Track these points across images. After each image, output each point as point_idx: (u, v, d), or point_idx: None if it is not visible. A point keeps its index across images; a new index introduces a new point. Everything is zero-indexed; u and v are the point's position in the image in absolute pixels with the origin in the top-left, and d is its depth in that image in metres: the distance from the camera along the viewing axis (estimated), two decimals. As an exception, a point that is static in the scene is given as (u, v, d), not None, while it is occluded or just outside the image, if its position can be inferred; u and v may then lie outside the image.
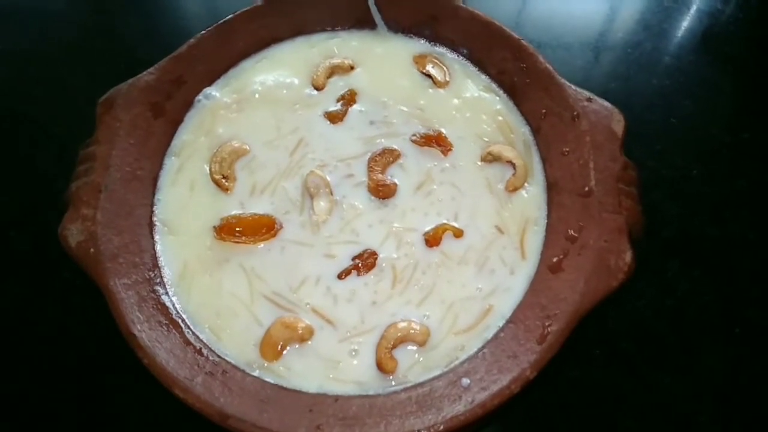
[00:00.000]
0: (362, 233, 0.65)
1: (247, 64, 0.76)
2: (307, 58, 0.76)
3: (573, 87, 0.68)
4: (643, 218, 0.63)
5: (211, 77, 0.74)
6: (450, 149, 0.70)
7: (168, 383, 0.55)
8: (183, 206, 0.67)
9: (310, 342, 0.61)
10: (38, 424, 0.67)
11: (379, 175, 0.67)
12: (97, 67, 0.91)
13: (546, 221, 0.66)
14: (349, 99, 0.73)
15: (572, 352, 0.58)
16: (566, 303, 0.58)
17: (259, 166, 0.69)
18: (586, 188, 0.63)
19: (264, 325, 0.61)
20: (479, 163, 0.69)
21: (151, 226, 0.65)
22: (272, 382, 0.58)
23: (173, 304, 0.62)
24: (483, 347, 0.60)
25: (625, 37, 0.94)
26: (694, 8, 0.97)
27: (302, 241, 0.65)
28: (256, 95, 0.73)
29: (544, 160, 0.69)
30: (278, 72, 0.75)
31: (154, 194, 0.67)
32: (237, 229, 0.65)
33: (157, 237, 0.65)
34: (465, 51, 0.75)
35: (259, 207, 0.67)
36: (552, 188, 0.67)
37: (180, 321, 0.61)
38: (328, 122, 0.71)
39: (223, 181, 0.68)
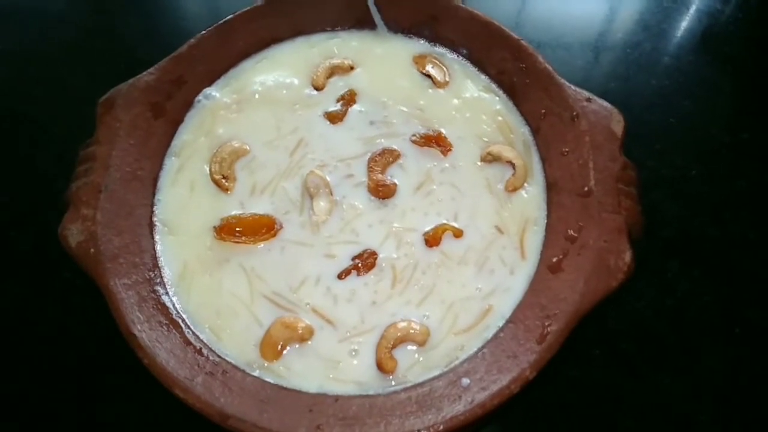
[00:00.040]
0: (362, 233, 0.65)
1: (247, 65, 0.76)
2: (307, 58, 0.76)
3: (572, 87, 0.68)
4: (643, 218, 0.63)
5: (211, 77, 0.74)
6: (450, 149, 0.70)
7: (168, 383, 0.55)
8: (183, 206, 0.67)
9: (310, 342, 0.61)
10: (38, 424, 0.67)
11: (379, 176, 0.68)
12: (97, 67, 0.91)
13: (546, 221, 0.66)
14: (348, 99, 0.73)
15: (572, 352, 0.58)
16: (566, 303, 0.58)
17: (259, 167, 0.69)
18: (586, 188, 0.63)
19: (264, 325, 0.61)
20: (479, 163, 0.69)
21: (151, 226, 0.65)
22: (272, 382, 0.58)
23: (173, 304, 0.62)
24: (483, 347, 0.60)
25: (625, 37, 0.94)
26: (693, 8, 0.97)
27: (302, 241, 0.65)
28: (256, 95, 0.73)
29: (544, 160, 0.69)
30: (278, 72, 0.75)
31: (154, 194, 0.67)
32: (237, 229, 0.65)
33: (157, 237, 0.65)
34: (465, 51, 0.76)
35: (259, 207, 0.67)
36: (551, 188, 0.67)
37: (180, 321, 0.61)
38: (328, 122, 0.72)
39: (223, 181, 0.68)
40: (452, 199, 0.67)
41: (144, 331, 0.57)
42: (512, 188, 0.67)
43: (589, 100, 0.67)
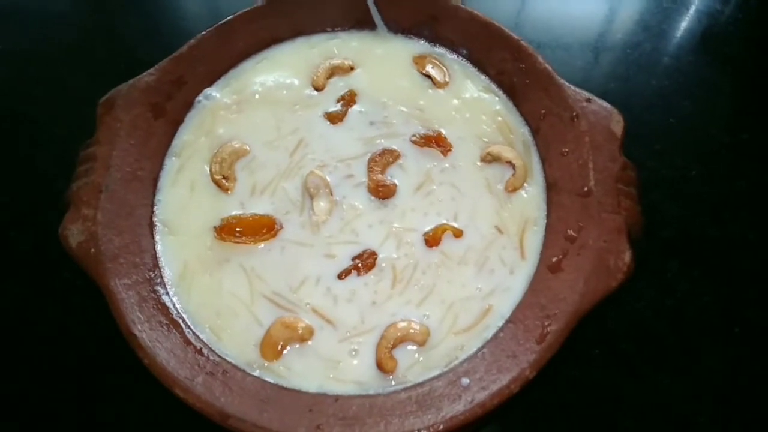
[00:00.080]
0: (362, 233, 0.65)
1: (247, 65, 0.76)
2: (307, 58, 0.76)
3: (572, 87, 0.68)
4: (643, 218, 0.63)
5: (212, 78, 0.74)
6: (450, 150, 0.70)
7: (168, 383, 0.55)
8: (183, 206, 0.67)
9: (310, 342, 0.61)
10: (38, 424, 0.67)
11: (379, 176, 0.68)
12: (97, 68, 0.91)
13: (545, 221, 0.66)
14: (349, 99, 0.73)
15: (571, 352, 0.58)
16: (566, 303, 0.58)
17: (259, 167, 0.69)
18: (586, 188, 0.63)
19: (264, 325, 0.61)
20: (479, 163, 0.69)
21: (151, 226, 0.65)
22: (272, 382, 0.58)
23: (173, 304, 0.62)
24: (482, 347, 0.60)
25: (625, 37, 0.94)
26: (693, 9, 0.97)
27: (302, 241, 0.65)
28: (257, 96, 0.74)
29: (544, 161, 0.69)
30: (278, 73, 0.75)
31: (154, 194, 0.67)
32: (237, 229, 0.65)
33: (157, 237, 0.65)
34: (464, 51, 0.76)
35: (260, 207, 0.67)
36: (551, 188, 0.67)
37: (180, 321, 0.61)
38: (328, 123, 0.72)
39: (224, 181, 0.68)
40: (452, 200, 0.67)
41: (144, 331, 0.57)
42: (512, 188, 0.67)
43: (588, 100, 0.67)
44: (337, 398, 0.57)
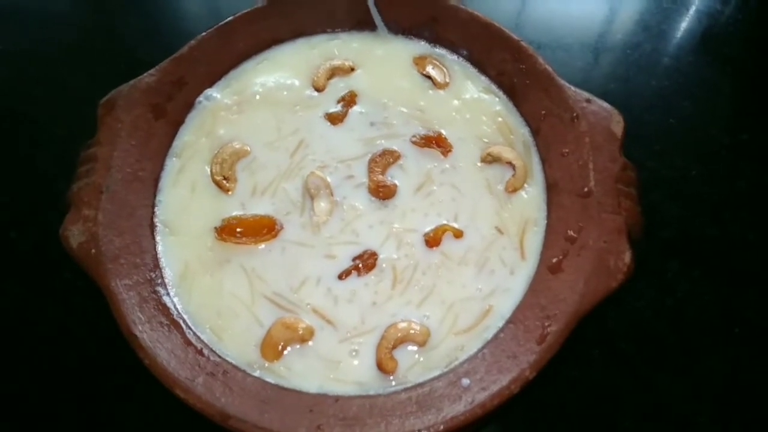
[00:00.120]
0: (362, 234, 0.66)
1: (247, 66, 0.76)
2: (307, 59, 0.76)
3: (572, 88, 0.68)
4: (643, 219, 0.63)
5: (212, 78, 0.74)
6: (450, 150, 0.70)
7: (169, 384, 0.55)
8: (184, 207, 0.67)
9: (310, 342, 0.61)
10: (39, 424, 0.67)
11: (380, 176, 0.68)
12: (97, 68, 0.91)
13: (545, 222, 0.66)
14: (349, 100, 0.73)
15: (572, 352, 0.58)
16: (566, 303, 0.58)
17: (259, 167, 0.69)
18: (586, 189, 0.63)
19: (265, 325, 0.61)
20: (479, 164, 0.69)
21: (152, 227, 0.65)
22: (273, 382, 0.58)
23: (174, 305, 0.62)
24: (483, 347, 0.60)
25: (625, 38, 0.94)
26: (693, 9, 0.97)
27: (303, 241, 0.65)
28: (257, 96, 0.74)
29: (544, 161, 0.69)
30: (279, 73, 0.75)
31: (155, 195, 0.67)
32: (238, 229, 0.65)
33: (158, 238, 0.65)
34: (465, 52, 0.76)
35: (260, 208, 0.67)
36: (551, 189, 0.67)
37: (181, 321, 0.61)
38: (329, 123, 0.72)
39: (224, 182, 0.68)
40: (452, 200, 0.67)
41: (145, 331, 0.57)
42: (512, 189, 0.68)
43: (588, 101, 0.67)
44: (337, 399, 0.57)
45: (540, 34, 0.94)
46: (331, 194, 0.67)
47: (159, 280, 0.63)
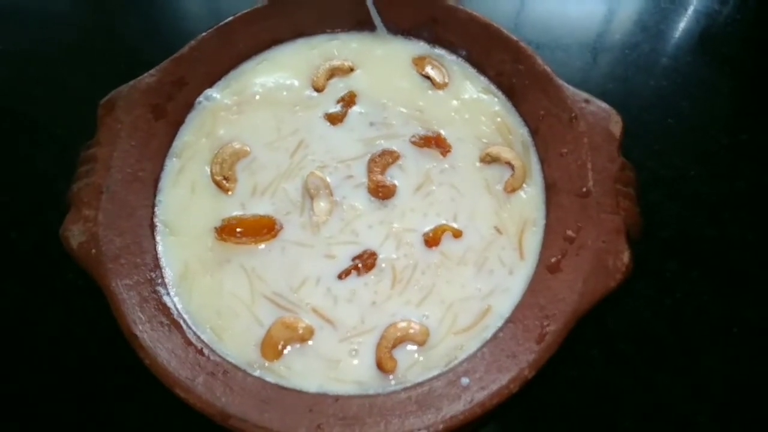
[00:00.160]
0: (362, 234, 0.66)
1: (247, 66, 0.76)
2: (307, 59, 0.76)
3: (571, 88, 0.68)
4: (642, 219, 0.63)
5: (212, 79, 0.74)
6: (449, 150, 0.70)
7: (169, 383, 0.55)
8: (184, 207, 0.67)
9: (310, 342, 0.61)
10: (39, 425, 0.67)
11: (379, 176, 0.68)
12: (97, 68, 0.91)
13: (544, 222, 0.66)
14: (348, 100, 0.73)
15: (570, 352, 0.58)
16: (564, 303, 0.58)
17: (259, 168, 0.69)
18: (584, 189, 0.63)
19: (265, 325, 0.61)
20: (478, 164, 0.70)
21: (152, 227, 0.66)
22: (273, 382, 0.59)
23: (174, 305, 0.62)
24: (482, 347, 0.60)
25: (623, 38, 0.94)
26: (691, 9, 0.97)
27: (302, 241, 0.65)
28: (257, 97, 0.74)
29: (543, 161, 0.69)
30: (279, 74, 0.75)
31: (155, 195, 0.67)
32: (238, 229, 0.65)
33: (158, 238, 0.65)
34: (464, 53, 0.76)
35: (260, 208, 0.67)
36: (550, 189, 0.67)
37: (181, 321, 0.61)
38: (328, 124, 0.72)
39: (224, 182, 0.68)
40: (451, 200, 0.67)
41: (145, 331, 0.57)
42: (511, 189, 0.68)
43: (587, 101, 0.67)
44: (337, 398, 0.57)
45: (539, 35, 0.94)
46: (331, 194, 0.67)
47: (159, 280, 0.63)
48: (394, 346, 0.60)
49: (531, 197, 0.68)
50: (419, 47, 0.77)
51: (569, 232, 0.63)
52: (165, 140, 0.70)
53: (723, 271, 0.75)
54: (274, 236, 0.65)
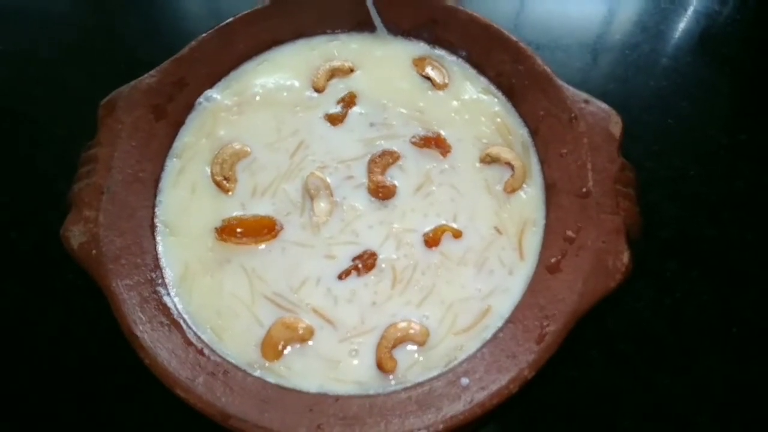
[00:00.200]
0: (362, 234, 0.66)
1: (248, 67, 0.76)
2: (307, 60, 0.76)
3: (571, 89, 0.68)
4: (641, 219, 0.63)
5: (212, 79, 0.74)
6: (449, 151, 0.70)
7: (170, 383, 0.55)
8: (184, 208, 0.67)
9: (310, 342, 0.61)
10: (39, 424, 0.67)
11: (379, 177, 0.68)
12: (97, 68, 0.91)
13: (544, 222, 0.66)
14: (349, 101, 0.73)
15: (570, 352, 0.58)
16: (564, 303, 0.58)
17: (259, 168, 0.69)
18: (584, 189, 0.63)
19: (265, 325, 0.61)
20: (478, 164, 0.70)
21: (152, 227, 0.66)
22: (273, 382, 0.59)
23: (175, 305, 0.62)
24: (482, 347, 0.60)
25: (623, 38, 0.95)
26: (691, 10, 0.98)
27: (303, 242, 0.65)
28: (257, 97, 0.74)
29: (543, 162, 0.69)
30: (279, 74, 0.75)
31: (155, 196, 0.67)
32: (238, 230, 0.65)
33: (158, 238, 0.65)
34: (464, 53, 0.76)
35: (260, 208, 0.67)
36: (550, 189, 0.67)
37: (181, 321, 0.61)
38: (329, 124, 0.72)
39: (225, 182, 0.68)
40: (451, 200, 0.67)
41: (146, 331, 0.58)
42: (511, 189, 0.68)
43: (587, 101, 0.67)
44: (337, 398, 0.57)
45: (538, 35, 0.94)
46: (331, 195, 0.67)
47: (160, 281, 0.63)
48: (394, 347, 0.60)
49: (531, 198, 0.68)
50: (419, 48, 0.77)
51: (569, 233, 0.63)
52: (165, 141, 0.70)
53: (723, 271, 0.75)
54: (275, 236, 0.65)
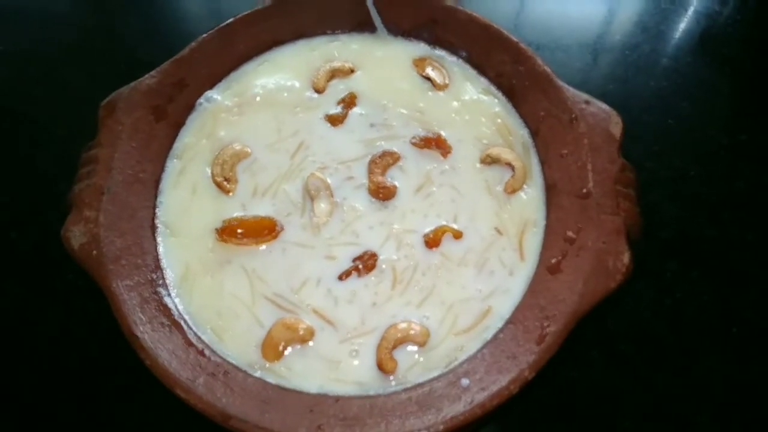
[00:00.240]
0: (362, 235, 0.66)
1: (248, 67, 0.76)
2: (307, 61, 0.76)
3: (571, 89, 0.68)
4: (642, 219, 0.63)
5: (213, 80, 0.74)
6: (449, 151, 0.70)
7: (170, 384, 0.55)
8: (185, 208, 0.67)
9: (311, 343, 0.61)
10: (39, 425, 0.67)
11: (379, 178, 0.68)
12: (97, 68, 0.91)
13: (545, 223, 0.66)
14: (349, 102, 0.73)
15: (571, 353, 0.58)
16: (565, 304, 0.58)
17: (260, 169, 0.69)
18: (585, 190, 0.63)
19: (265, 326, 0.61)
20: (478, 165, 0.70)
21: (153, 228, 0.66)
22: (273, 382, 0.59)
23: (175, 306, 0.62)
24: (482, 348, 0.60)
25: (623, 39, 0.95)
26: (691, 10, 0.98)
27: (303, 242, 0.65)
28: (258, 98, 0.74)
29: (543, 162, 0.69)
30: (279, 75, 0.75)
31: (156, 197, 0.67)
32: (239, 231, 0.65)
33: (159, 239, 0.65)
34: (464, 54, 0.76)
35: (261, 209, 0.67)
36: (550, 190, 0.67)
37: (182, 322, 0.61)
38: (329, 125, 0.72)
39: (225, 183, 0.68)
40: (452, 201, 0.67)
41: (146, 332, 0.58)
42: (511, 190, 0.68)
43: (587, 102, 0.67)
44: (337, 399, 0.58)
45: (539, 36, 0.94)
46: (332, 195, 0.67)
47: (160, 281, 0.63)
48: (394, 347, 0.60)
49: (531, 198, 0.68)
50: (419, 48, 0.77)
51: (569, 233, 0.63)
52: (166, 142, 0.70)
53: (723, 271, 0.75)
54: (275, 237, 0.65)
